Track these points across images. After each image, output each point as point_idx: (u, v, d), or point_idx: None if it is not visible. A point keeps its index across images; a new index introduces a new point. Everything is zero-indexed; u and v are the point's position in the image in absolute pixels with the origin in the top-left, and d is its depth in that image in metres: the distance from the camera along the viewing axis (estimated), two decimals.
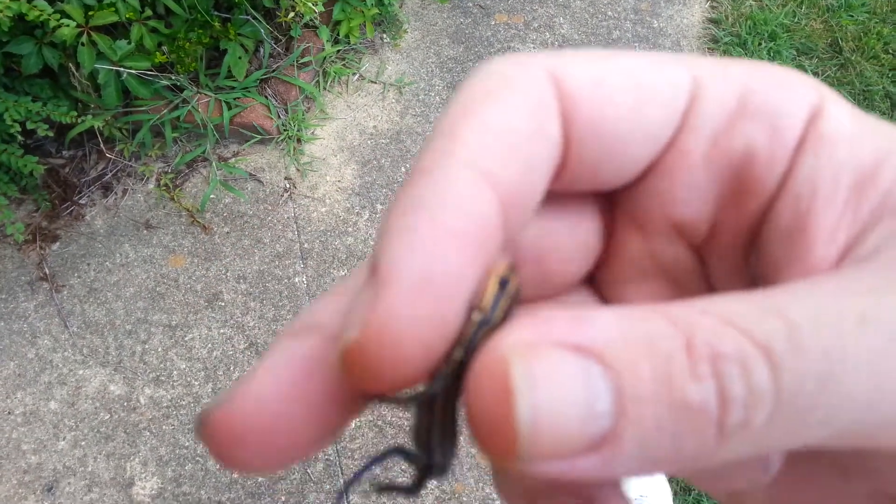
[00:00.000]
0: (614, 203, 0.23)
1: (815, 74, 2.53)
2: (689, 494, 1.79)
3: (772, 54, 2.56)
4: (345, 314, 0.18)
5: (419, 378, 0.18)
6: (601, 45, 2.48)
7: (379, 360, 0.16)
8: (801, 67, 2.53)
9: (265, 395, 0.18)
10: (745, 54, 2.53)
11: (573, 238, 0.23)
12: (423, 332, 0.17)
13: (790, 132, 0.19)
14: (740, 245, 0.21)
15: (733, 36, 2.57)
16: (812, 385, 0.15)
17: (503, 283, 0.18)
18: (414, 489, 0.21)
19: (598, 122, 0.19)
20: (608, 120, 0.19)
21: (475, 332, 0.18)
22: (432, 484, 1.77)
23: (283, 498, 1.73)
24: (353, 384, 0.17)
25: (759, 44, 2.56)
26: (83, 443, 1.76)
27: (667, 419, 0.15)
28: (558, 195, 0.21)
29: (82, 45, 1.72)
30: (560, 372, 0.15)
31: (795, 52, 2.60)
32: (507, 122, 0.18)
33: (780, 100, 0.19)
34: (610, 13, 2.53)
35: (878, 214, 0.18)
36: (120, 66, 1.81)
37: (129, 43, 1.79)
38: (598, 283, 0.25)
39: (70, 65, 1.80)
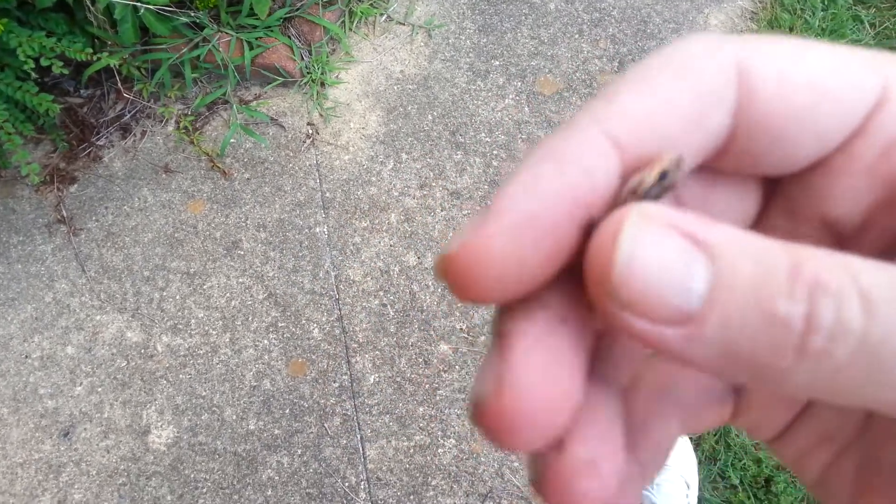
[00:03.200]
0: (768, 182, 0.23)
1: (873, 26, 2.37)
2: (715, 464, 1.74)
3: (826, 2, 2.39)
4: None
5: (509, 294, 0.19)
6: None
7: (468, 271, 0.18)
8: (856, 18, 2.37)
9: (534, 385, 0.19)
10: (797, 1, 2.37)
11: (729, 207, 0.23)
12: (515, 258, 0.18)
13: None
14: (889, 242, 0.21)
15: None
16: (893, 343, 0.15)
17: (663, 176, 0.19)
18: None
19: (773, 119, 0.19)
20: (784, 118, 0.19)
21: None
22: (451, 443, 1.73)
23: (299, 451, 1.70)
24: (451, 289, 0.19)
25: None
26: (100, 389, 1.75)
27: (752, 319, 0.15)
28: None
29: None
30: (665, 245, 0.16)
31: (852, 1, 2.43)
32: (668, 100, 0.19)
33: None
34: None
35: None
36: (137, 1, 1.73)
37: None
38: None
39: None
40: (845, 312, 0.15)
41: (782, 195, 0.23)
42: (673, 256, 0.16)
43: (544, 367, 0.19)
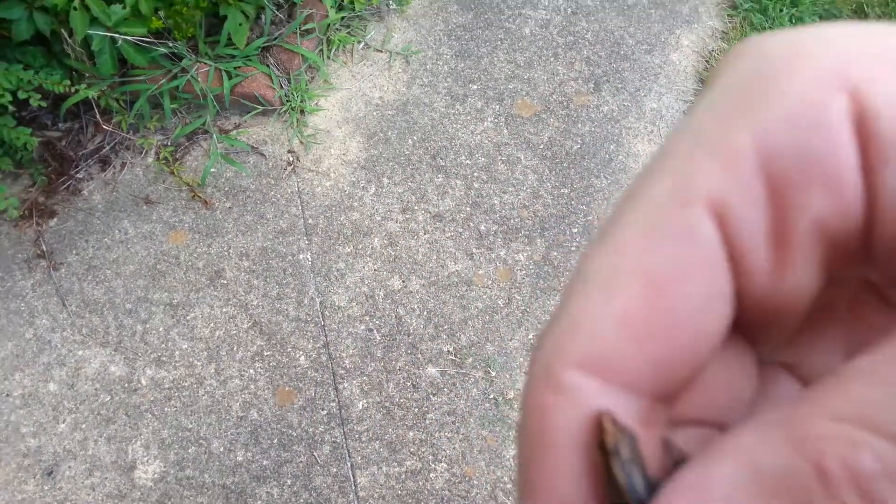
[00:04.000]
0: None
1: None
2: None
3: (794, 20, 2.46)
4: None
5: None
6: (616, 9, 2.38)
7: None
8: None
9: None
10: (766, 21, 2.43)
11: None
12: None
13: None
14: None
15: (753, 2, 2.46)
16: None
17: (616, 452, 0.17)
18: None
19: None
20: None
21: None
22: (442, 466, 1.72)
23: (288, 481, 1.68)
24: None
25: (781, 10, 2.46)
26: (83, 425, 1.71)
27: None
28: None
29: (74, 9, 1.64)
30: None
31: (818, 19, 2.49)
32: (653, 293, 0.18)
33: None
34: None
35: None
36: (115, 33, 1.73)
37: (124, 7, 1.70)
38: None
39: (63, 31, 1.71)
40: None
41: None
42: None
43: None
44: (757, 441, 0.15)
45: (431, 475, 1.72)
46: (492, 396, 1.80)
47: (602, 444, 0.17)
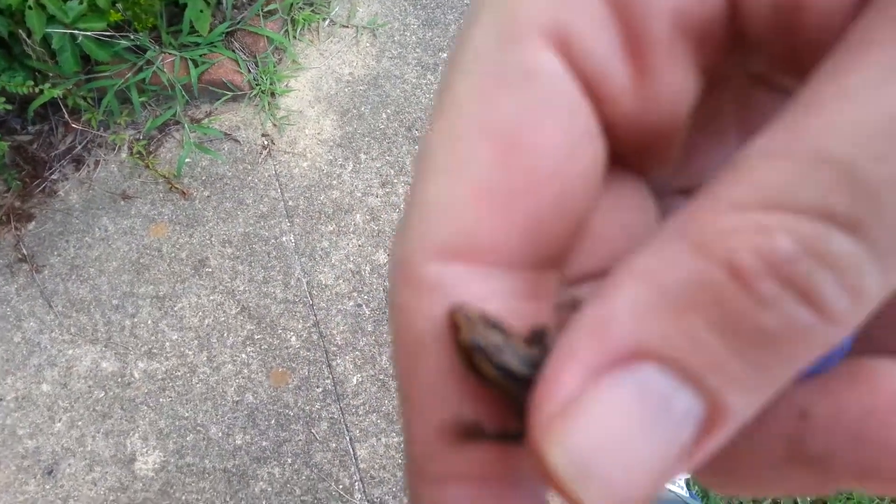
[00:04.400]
0: None
1: None
2: None
3: None
4: None
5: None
6: None
7: None
8: None
9: None
10: None
11: None
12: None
13: None
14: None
15: None
16: None
17: (477, 346, 0.16)
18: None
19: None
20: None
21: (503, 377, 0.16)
22: None
23: (289, 460, 1.69)
24: None
25: None
26: (80, 423, 1.72)
27: (761, 358, 0.12)
28: None
29: (30, 8, 1.62)
30: (608, 418, 0.13)
31: None
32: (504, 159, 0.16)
33: None
34: None
35: None
36: (74, 29, 1.71)
37: (81, 3, 1.69)
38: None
39: (20, 32, 1.70)
40: (833, 257, 0.12)
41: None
42: (632, 414, 0.13)
43: None
44: (656, 259, 0.13)
45: None
46: None
47: (460, 343, 0.16)
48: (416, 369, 0.16)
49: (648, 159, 0.18)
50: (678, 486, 1.58)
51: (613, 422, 0.13)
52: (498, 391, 0.16)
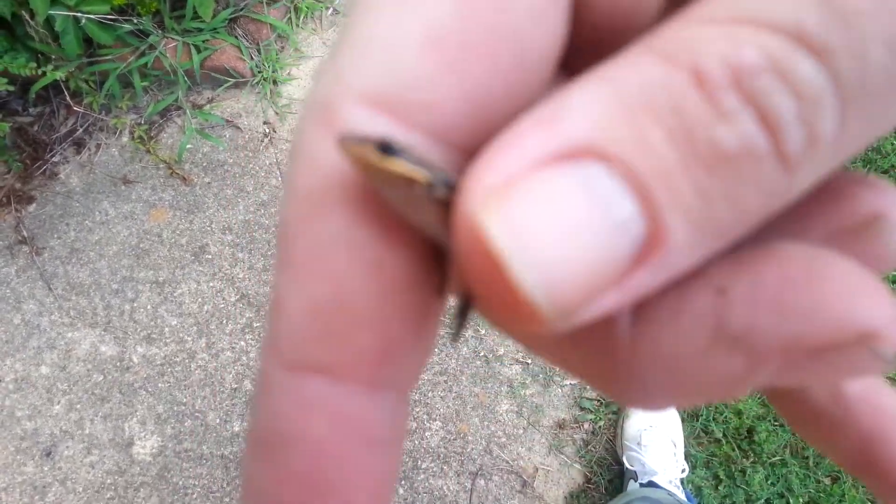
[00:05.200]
0: None
1: None
2: (697, 420, 1.78)
3: None
4: None
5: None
6: None
7: None
8: None
9: None
10: None
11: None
12: None
13: None
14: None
15: None
16: (881, 52, 0.11)
17: (385, 149, 0.13)
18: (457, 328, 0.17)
19: None
20: None
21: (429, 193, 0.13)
22: (437, 425, 1.75)
23: None
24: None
25: None
26: (78, 406, 1.73)
27: (711, 183, 0.11)
28: None
29: None
30: (550, 200, 0.11)
31: None
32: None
33: None
34: None
35: None
36: (77, 12, 1.70)
37: None
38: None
39: (24, 13, 1.69)
40: (796, 78, 0.11)
41: None
42: (572, 206, 0.12)
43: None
44: (620, 67, 0.12)
45: (427, 434, 1.74)
46: (482, 354, 1.82)
47: (370, 165, 0.13)
48: (311, 226, 0.14)
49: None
50: (675, 486, 1.61)
51: (556, 206, 0.11)
52: (411, 235, 0.14)
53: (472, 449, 1.74)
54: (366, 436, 0.16)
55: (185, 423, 1.72)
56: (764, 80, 0.11)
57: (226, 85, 2.03)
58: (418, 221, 0.14)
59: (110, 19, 1.78)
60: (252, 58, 2.04)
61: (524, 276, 0.11)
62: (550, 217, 0.11)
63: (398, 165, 0.13)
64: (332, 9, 2.19)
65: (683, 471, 1.65)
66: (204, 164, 1.97)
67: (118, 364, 1.77)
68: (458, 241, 0.12)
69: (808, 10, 0.11)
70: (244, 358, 1.78)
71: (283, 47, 2.12)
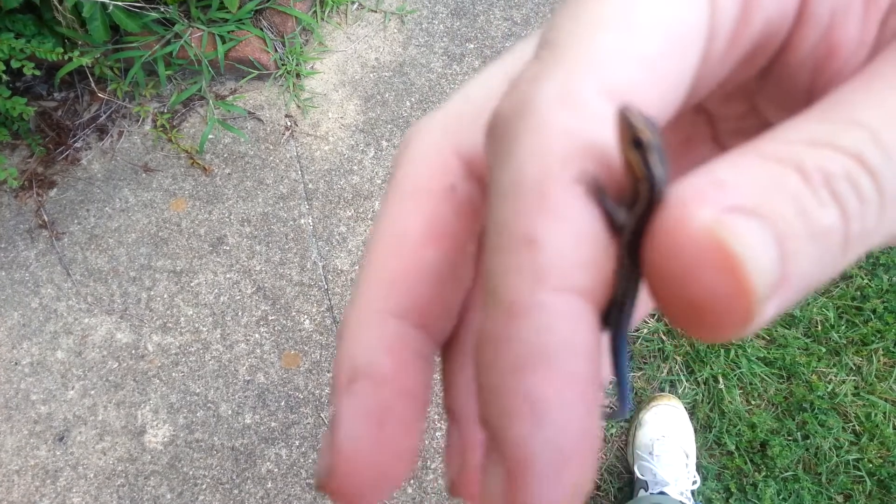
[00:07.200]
0: None
1: None
2: (710, 432, 1.76)
3: None
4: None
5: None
6: None
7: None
8: None
9: (362, 451, 0.20)
10: None
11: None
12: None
13: None
14: (749, 92, 0.22)
15: None
16: None
17: (637, 143, 0.16)
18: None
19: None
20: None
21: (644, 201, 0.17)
22: (446, 425, 1.74)
23: (297, 442, 1.70)
24: None
25: None
26: (92, 392, 1.74)
27: (813, 248, 0.15)
28: None
29: None
30: (751, 233, 0.15)
31: None
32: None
33: None
34: None
35: (888, 20, 0.19)
36: None
37: None
38: None
39: None
40: (860, 188, 0.16)
41: None
42: (762, 240, 0.15)
43: (372, 440, 0.19)
44: (741, 159, 0.16)
45: (437, 434, 1.74)
46: None
47: (636, 141, 0.16)
48: (548, 202, 0.16)
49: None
50: (686, 498, 1.60)
51: (760, 243, 0.15)
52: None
53: None
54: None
55: (198, 414, 1.73)
56: (842, 185, 0.15)
57: (249, 76, 2.03)
58: (621, 196, 0.17)
59: (137, 7, 1.78)
60: (276, 50, 2.04)
61: (755, 279, 0.15)
62: (756, 243, 0.15)
63: (648, 155, 0.16)
64: (357, 3, 2.19)
65: (695, 482, 1.64)
66: (225, 155, 1.98)
67: (133, 352, 1.78)
68: (676, 251, 0.15)
69: (867, 146, 0.16)
70: (258, 350, 1.79)
71: (307, 40, 2.12)
